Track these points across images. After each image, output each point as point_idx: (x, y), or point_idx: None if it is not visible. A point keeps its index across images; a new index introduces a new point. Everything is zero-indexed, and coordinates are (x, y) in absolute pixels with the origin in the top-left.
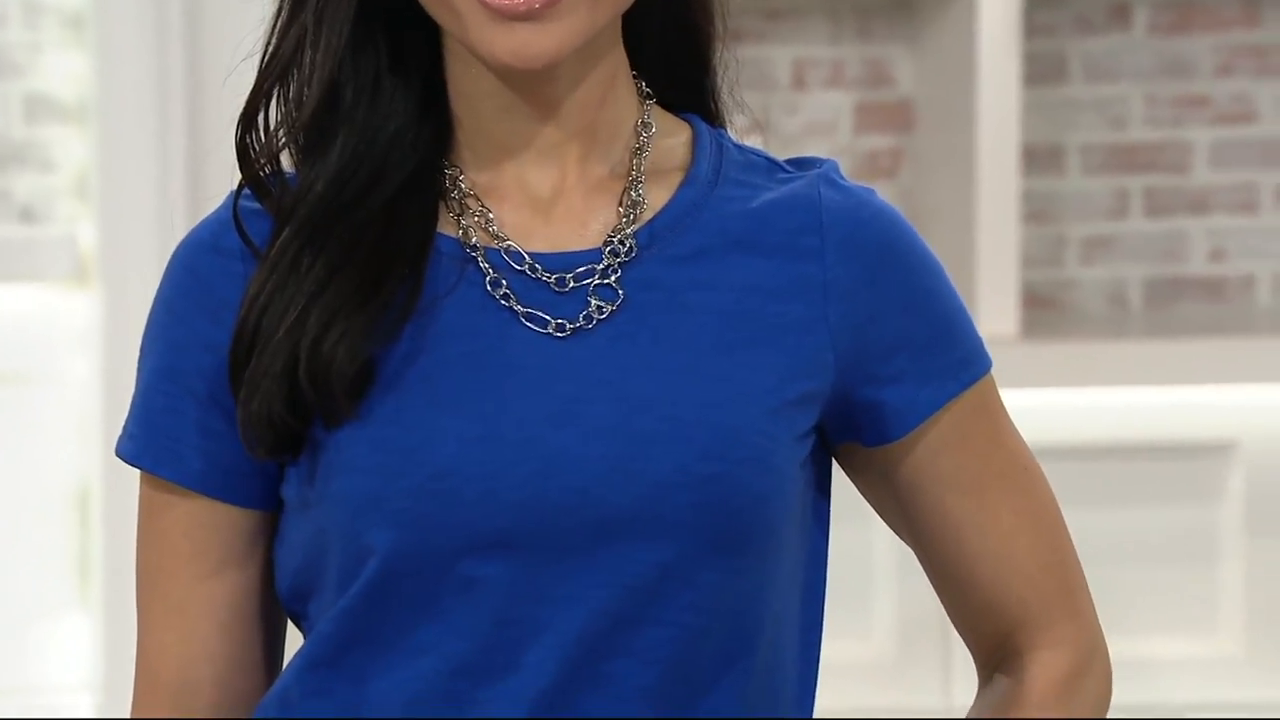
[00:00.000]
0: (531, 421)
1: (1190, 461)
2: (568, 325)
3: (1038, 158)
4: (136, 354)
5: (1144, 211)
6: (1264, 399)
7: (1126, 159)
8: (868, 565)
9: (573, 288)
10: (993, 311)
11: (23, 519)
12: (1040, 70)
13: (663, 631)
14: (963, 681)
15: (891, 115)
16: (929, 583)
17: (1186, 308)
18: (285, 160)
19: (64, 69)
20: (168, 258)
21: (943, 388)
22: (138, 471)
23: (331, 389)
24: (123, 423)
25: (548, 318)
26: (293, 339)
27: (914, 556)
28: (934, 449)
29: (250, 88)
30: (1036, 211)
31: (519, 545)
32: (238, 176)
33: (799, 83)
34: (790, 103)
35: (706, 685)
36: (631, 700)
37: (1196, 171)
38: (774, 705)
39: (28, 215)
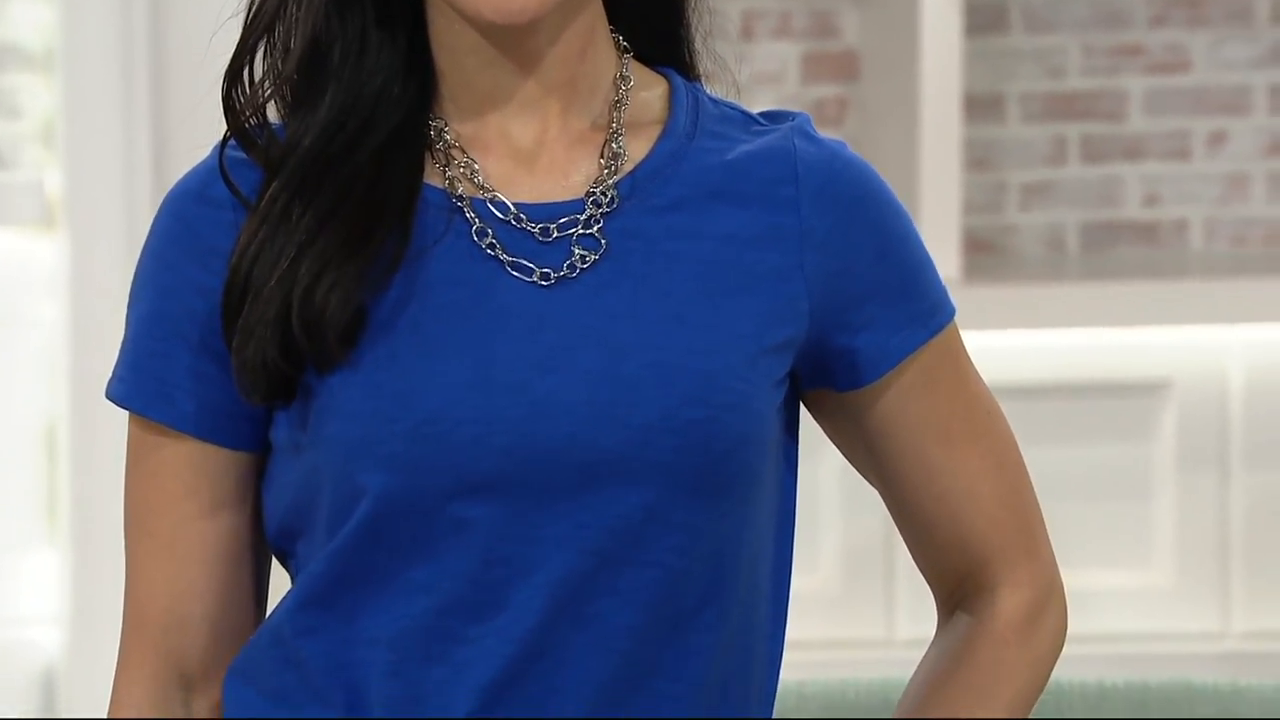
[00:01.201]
0: (519, 368)
1: (1125, 400)
2: (552, 274)
3: (978, 106)
4: (102, 296)
5: (1081, 158)
6: (1196, 339)
7: (1064, 107)
8: (814, 501)
9: (556, 237)
10: (935, 256)
11: None
12: (981, 21)
13: (646, 572)
14: (905, 613)
15: (837, 65)
16: (873, 519)
17: (1122, 251)
18: (270, 111)
19: (31, 18)
20: (133, 203)
21: (913, 334)
22: (105, 411)
23: (324, 336)
24: (91, 364)
25: (533, 266)
26: (285, 288)
27: (860, 493)
28: (903, 394)
29: (221, 41)
30: (977, 159)
31: (507, 488)
32: (205, 124)
33: (747, 33)
34: (739, 53)
35: (687, 624)
36: (615, 638)
37: (1132, 119)
38: (749, 643)
39: None
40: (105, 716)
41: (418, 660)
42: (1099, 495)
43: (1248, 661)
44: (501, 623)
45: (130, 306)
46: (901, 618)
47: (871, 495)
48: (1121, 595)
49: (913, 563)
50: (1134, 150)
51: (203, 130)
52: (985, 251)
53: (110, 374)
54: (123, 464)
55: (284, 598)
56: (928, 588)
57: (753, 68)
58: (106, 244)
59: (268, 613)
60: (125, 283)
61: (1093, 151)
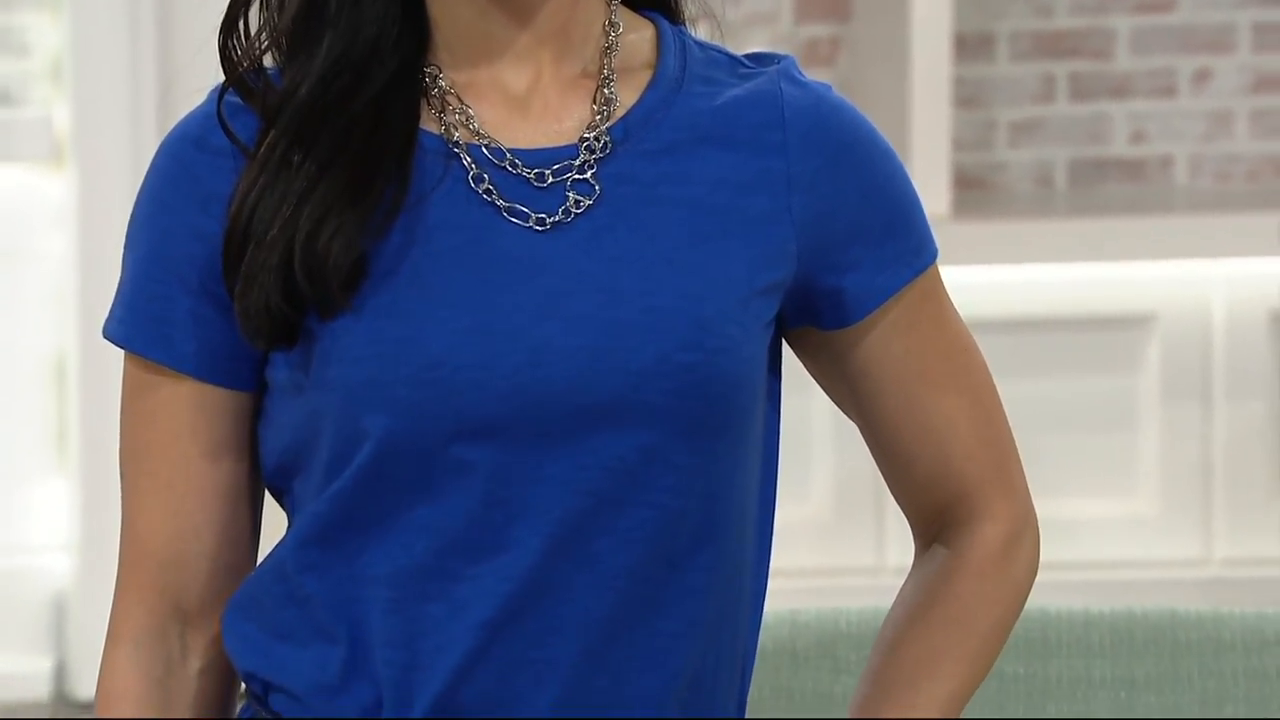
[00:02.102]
0: (518, 313)
1: (1111, 333)
2: (548, 219)
3: (968, 45)
4: (109, 231)
5: (1069, 96)
6: (1181, 273)
7: (1052, 46)
8: (807, 433)
9: (551, 183)
10: (925, 192)
11: (2, 388)
12: None
13: (643, 512)
14: (895, 542)
15: (829, 5)
16: (863, 450)
17: (1109, 188)
18: (266, 59)
19: None
20: (140, 139)
21: (897, 274)
22: (116, 348)
23: (327, 282)
24: (98, 297)
25: (529, 212)
26: (286, 235)
27: (850, 426)
28: (886, 333)
29: None
30: (967, 97)
31: (507, 431)
32: (212, 59)
33: None
34: None
35: (683, 563)
36: (613, 577)
37: (1118, 58)
38: (740, 579)
39: (4, 98)
40: (103, 649)
41: (417, 598)
42: (1085, 426)
43: (1230, 587)
44: (500, 562)
45: (127, 249)
46: (891, 545)
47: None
48: (1107, 524)
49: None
50: (1121, 88)
51: (210, 65)
52: (975, 188)
53: (107, 314)
54: None
55: (285, 535)
56: None
57: (745, 8)
58: (113, 179)
59: (263, 549)
60: None
61: (1080, 89)
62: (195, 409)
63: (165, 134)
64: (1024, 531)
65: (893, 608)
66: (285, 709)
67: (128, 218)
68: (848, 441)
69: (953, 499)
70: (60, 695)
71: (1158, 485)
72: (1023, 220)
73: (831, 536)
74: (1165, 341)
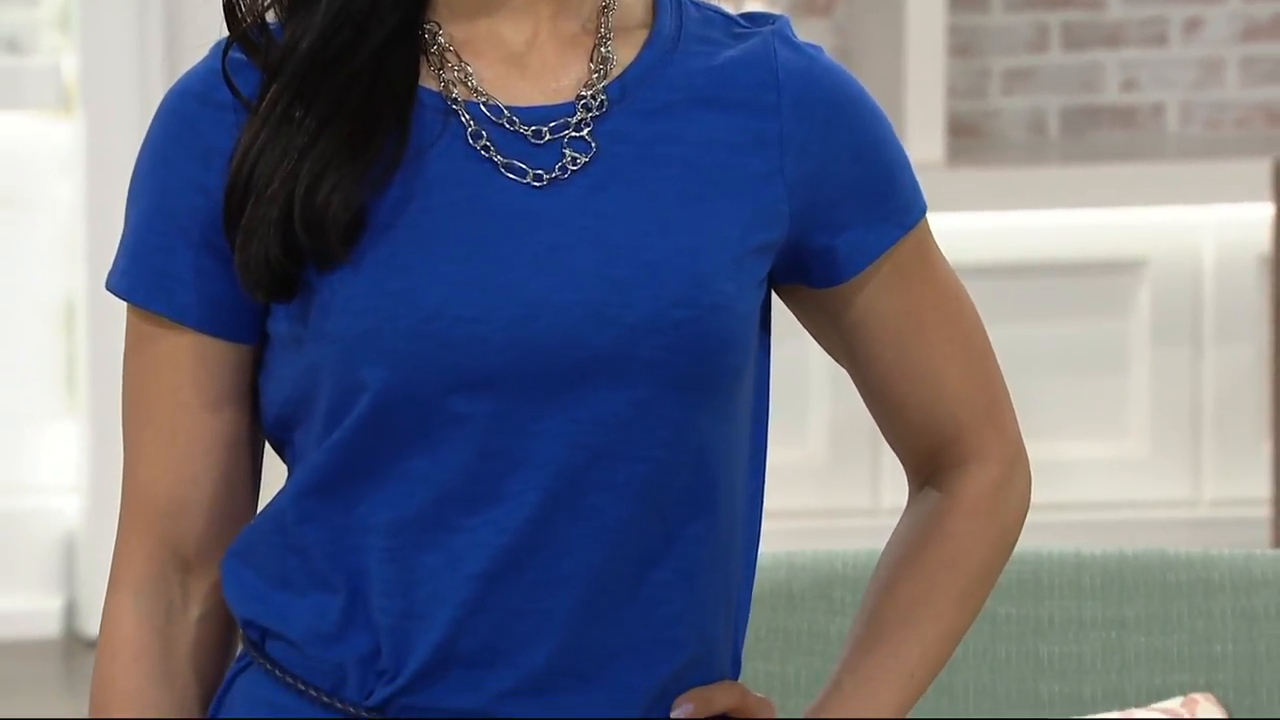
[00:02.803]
0: (515, 267)
1: (1102, 278)
2: (545, 176)
3: None
4: (117, 177)
5: (1062, 45)
6: (1171, 219)
7: None
8: (802, 377)
9: (548, 140)
10: (920, 140)
11: (12, 332)
12: None
13: (638, 466)
14: (890, 484)
15: None
16: (856, 394)
17: (1101, 135)
18: (269, 15)
19: None
20: (147, 86)
21: (888, 232)
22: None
23: (326, 236)
24: (106, 242)
25: (526, 168)
26: (287, 188)
27: (847, 373)
28: (877, 288)
29: None
30: (961, 45)
31: (503, 384)
32: (215, 9)
33: None
34: None
35: (675, 515)
36: (608, 530)
37: (1110, 7)
38: (731, 530)
39: (13, 46)
40: (105, 595)
41: (414, 548)
42: (1077, 369)
43: (1218, 527)
44: (496, 514)
45: (130, 202)
46: (886, 488)
47: None
48: (1098, 465)
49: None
50: (1113, 37)
51: (217, 14)
52: (968, 135)
53: (110, 266)
54: None
55: (284, 485)
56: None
57: None
58: (121, 126)
59: (263, 499)
60: None
61: (1073, 38)
62: (196, 360)
63: (172, 80)
64: (1015, 473)
65: (886, 549)
66: (282, 656)
67: (134, 165)
68: (843, 386)
69: (944, 443)
70: (70, 633)
71: (1148, 428)
72: (1016, 167)
73: (827, 479)
74: (1156, 286)
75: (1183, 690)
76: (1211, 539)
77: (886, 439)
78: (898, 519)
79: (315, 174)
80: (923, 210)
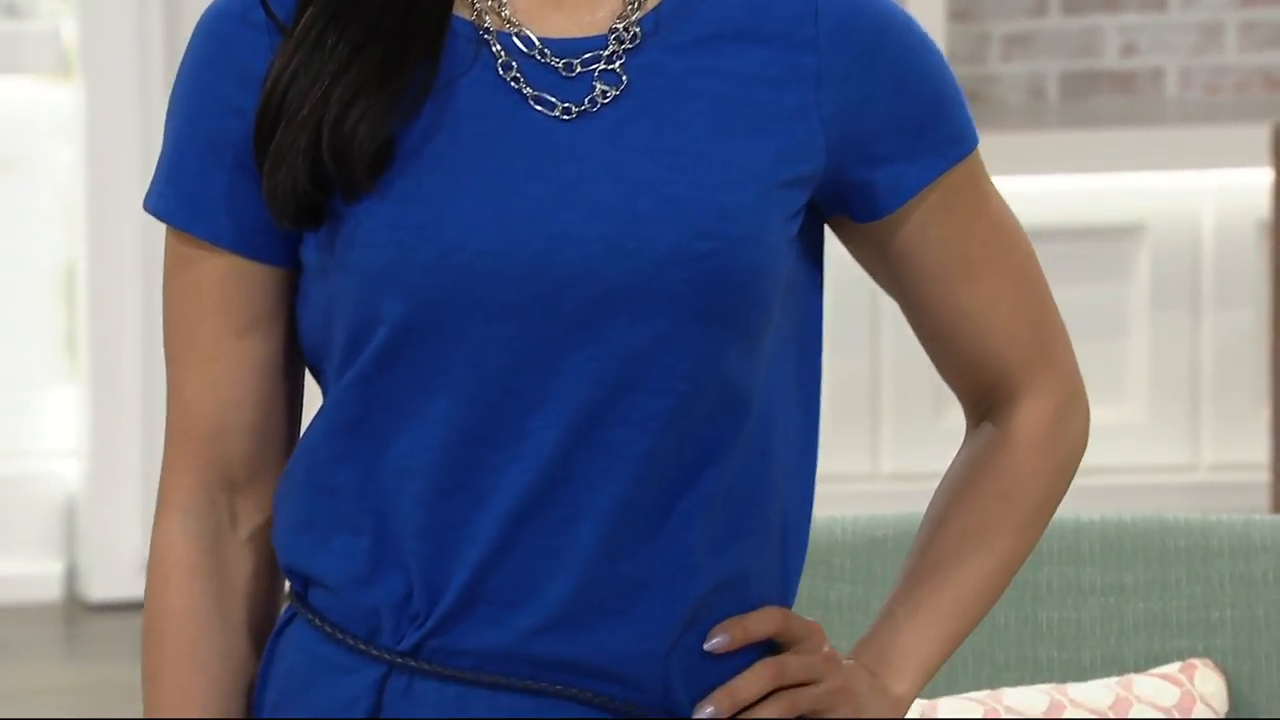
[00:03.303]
0: (537, 201)
1: (1101, 243)
2: (574, 109)
3: None
4: (117, 141)
5: (1061, 10)
6: (1170, 184)
7: None
8: None
9: (579, 73)
10: None
11: (13, 297)
12: None
13: (660, 400)
14: (889, 449)
15: None
16: (858, 358)
17: (1100, 100)
18: None
19: None
20: (146, 51)
21: (931, 165)
22: (120, 251)
23: (353, 165)
24: (106, 206)
25: (555, 101)
26: (316, 115)
27: (845, 332)
28: (922, 222)
29: None
30: (960, 10)
31: (524, 318)
32: None
33: None
34: None
35: (700, 449)
36: (631, 465)
37: None
38: (767, 461)
39: (13, 11)
40: (154, 518)
41: (442, 489)
42: (1076, 334)
43: (1216, 491)
44: (520, 451)
45: (168, 122)
46: (885, 453)
47: (858, 335)
48: (1096, 430)
49: (896, 400)
50: (1112, 2)
51: None
52: (968, 100)
53: (149, 187)
54: (138, 303)
55: (314, 421)
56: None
57: None
58: (120, 91)
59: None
60: (139, 128)
61: (1072, 3)
62: (234, 283)
63: (172, 45)
64: (1072, 406)
65: (941, 483)
66: (322, 605)
67: (136, 127)
68: (843, 348)
69: (997, 378)
70: (71, 597)
71: (1146, 392)
72: (1015, 132)
73: (826, 444)
74: (1155, 251)
75: (1181, 656)
76: (1210, 504)
77: (940, 374)
78: (896, 484)
79: (345, 101)
80: (973, 143)
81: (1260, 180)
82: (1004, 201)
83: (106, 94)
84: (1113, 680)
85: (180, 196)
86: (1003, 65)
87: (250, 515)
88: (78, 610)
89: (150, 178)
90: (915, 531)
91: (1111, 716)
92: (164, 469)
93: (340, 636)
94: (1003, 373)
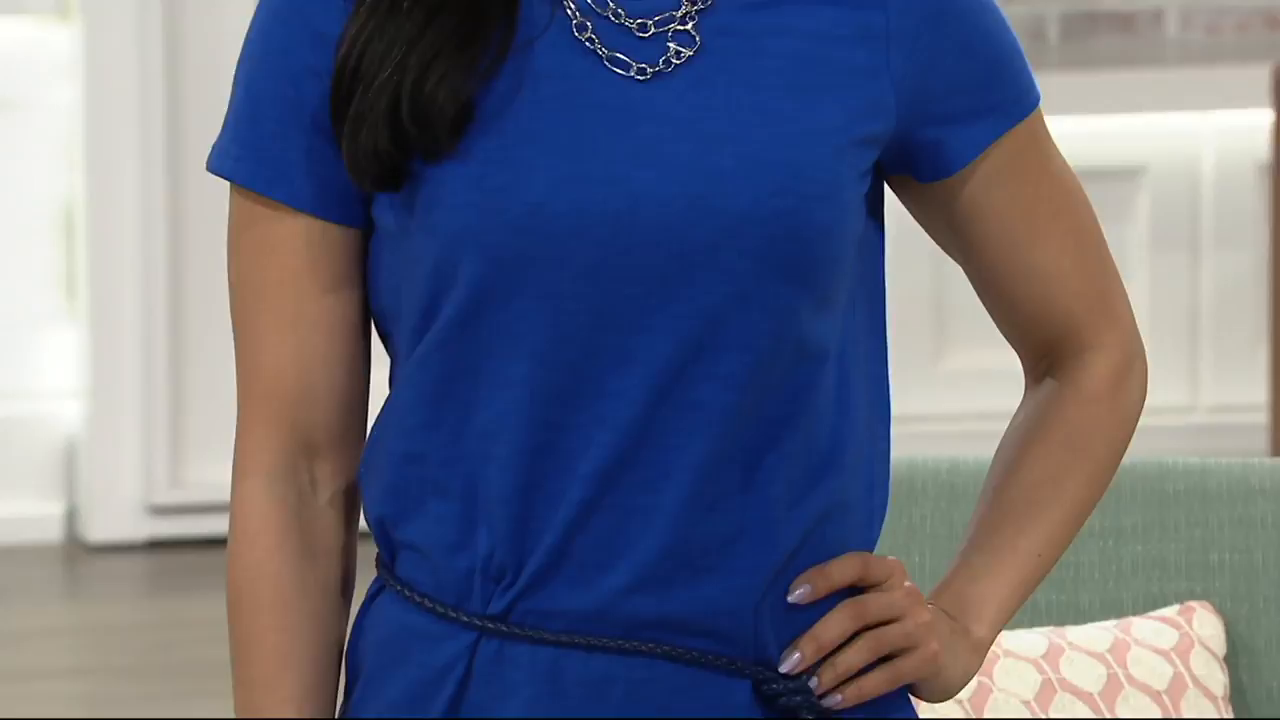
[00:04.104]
0: (616, 161)
1: (1101, 185)
2: (648, 69)
3: None
4: (115, 82)
5: None
6: (1170, 126)
7: None
8: None
9: (653, 33)
10: None
11: (11, 238)
12: None
13: (741, 357)
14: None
15: None
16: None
17: (1100, 41)
18: None
19: None
20: None
21: (996, 124)
22: (119, 192)
23: (434, 127)
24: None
25: (630, 61)
26: (395, 79)
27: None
28: (986, 181)
29: None
30: None
31: (606, 278)
32: None
33: None
34: None
35: (781, 404)
36: (715, 421)
37: None
38: (844, 412)
39: None
40: (232, 482)
41: (529, 451)
42: None
43: (1215, 433)
44: (604, 411)
45: (238, 85)
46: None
47: None
48: None
49: (896, 343)
50: None
51: None
52: None
53: (215, 150)
54: (137, 244)
55: (396, 389)
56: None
57: None
58: (119, 32)
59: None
60: (137, 69)
61: None
62: (316, 245)
63: None
64: (1133, 362)
65: (1005, 437)
66: (411, 573)
67: (133, 68)
68: None
69: (1061, 335)
70: (71, 538)
71: (1145, 334)
72: None
73: None
74: (1154, 193)
75: (1179, 599)
76: (1208, 445)
77: (1002, 331)
78: (898, 427)
79: (423, 64)
80: (1035, 102)
81: (1260, 121)
82: (1064, 158)
83: (105, 35)
84: (1111, 623)
85: (258, 160)
86: (1003, 6)
87: (329, 480)
88: (78, 551)
89: (148, 116)
90: (915, 475)
91: (1110, 659)
92: (241, 434)
93: (430, 605)
94: (1069, 329)
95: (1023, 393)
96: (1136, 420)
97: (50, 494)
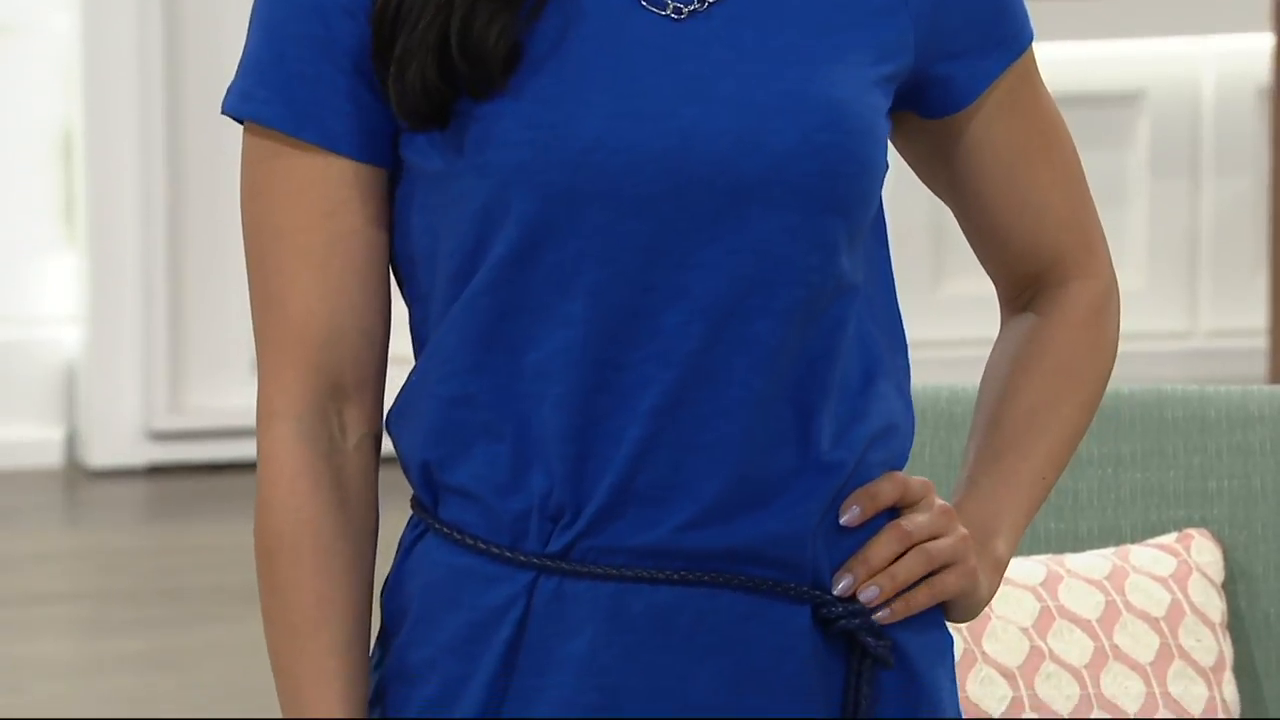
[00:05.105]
0: (663, 97)
1: (1101, 110)
2: (683, 9)
3: None
4: (113, 7)
5: None
6: (1170, 50)
7: None
8: None
9: None
10: None
11: (10, 164)
12: None
13: (794, 292)
14: None
15: None
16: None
17: None
18: None
19: None
20: None
21: (1001, 58)
22: (117, 117)
23: (487, 64)
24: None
25: (666, 0)
26: (442, 17)
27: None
28: (987, 117)
29: None
30: None
31: (658, 215)
32: None
33: None
34: None
35: (823, 340)
36: (769, 356)
37: None
38: (876, 342)
39: None
40: (257, 427)
41: (584, 389)
42: None
43: (1214, 358)
44: (660, 348)
45: (260, 27)
46: None
47: None
48: None
49: (895, 270)
50: None
51: None
52: None
53: (235, 94)
54: (135, 169)
55: (440, 332)
56: (911, 294)
57: None
58: None
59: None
60: None
61: None
62: (348, 186)
63: None
64: (1112, 292)
65: (992, 365)
66: (461, 513)
67: None
68: None
69: (1047, 265)
70: (71, 463)
71: (1145, 260)
72: None
73: None
74: (1154, 118)
75: (1178, 526)
76: (1207, 370)
77: (987, 265)
78: None
79: (469, 3)
80: (1031, 36)
81: (1261, 45)
82: (1050, 95)
83: None
84: (1110, 551)
85: (287, 102)
86: None
87: (357, 425)
88: (78, 476)
89: (147, 41)
90: (915, 404)
91: (1108, 586)
92: (266, 379)
93: (483, 546)
94: (1055, 259)
95: (1000, 322)
96: (1115, 351)
97: (50, 419)
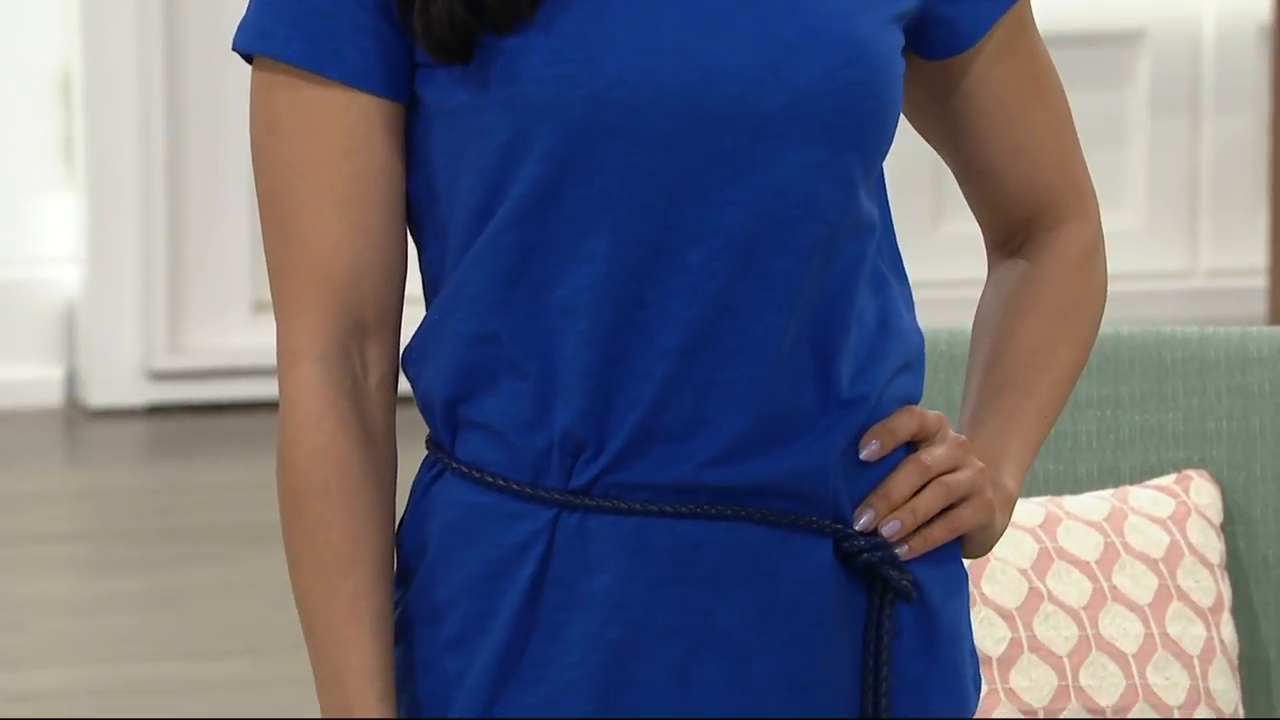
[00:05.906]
0: (687, 33)
1: (1101, 49)
2: None
3: None
4: None
5: None
6: None
7: None
8: None
9: None
10: None
11: (8, 104)
12: None
13: (817, 229)
14: None
15: None
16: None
17: None
18: None
19: None
20: None
21: (1001, 0)
22: (116, 57)
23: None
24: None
25: None
26: None
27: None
28: (987, 60)
29: None
30: None
31: (682, 150)
32: None
33: None
34: None
35: (844, 278)
36: (792, 293)
37: None
38: (886, 292)
39: None
40: (279, 367)
41: (609, 326)
42: None
43: (1214, 297)
44: (683, 285)
45: None
46: None
47: None
48: None
49: (895, 210)
50: None
51: None
52: None
53: (252, 32)
54: (133, 109)
55: (463, 269)
56: (911, 234)
57: None
58: None
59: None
60: None
61: None
62: (370, 122)
63: None
64: (1100, 235)
65: (986, 306)
66: (478, 454)
67: None
68: None
69: (1040, 208)
70: (71, 402)
71: (1145, 199)
72: None
73: None
74: (1155, 57)
75: (1177, 467)
76: (1207, 309)
77: (977, 213)
78: None
79: None
80: None
81: None
82: (1042, 39)
83: None
84: (1109, 492)
85: (306, 38)
86: None
87: (378, 363)
88: (78, 415)
89: None
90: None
91: (1107, 528)
92: (288, 319)
93: (504, 483)
94: (1048, 202)
95: (988, 268)
96: (1104, 297)
97: (50, 359)
